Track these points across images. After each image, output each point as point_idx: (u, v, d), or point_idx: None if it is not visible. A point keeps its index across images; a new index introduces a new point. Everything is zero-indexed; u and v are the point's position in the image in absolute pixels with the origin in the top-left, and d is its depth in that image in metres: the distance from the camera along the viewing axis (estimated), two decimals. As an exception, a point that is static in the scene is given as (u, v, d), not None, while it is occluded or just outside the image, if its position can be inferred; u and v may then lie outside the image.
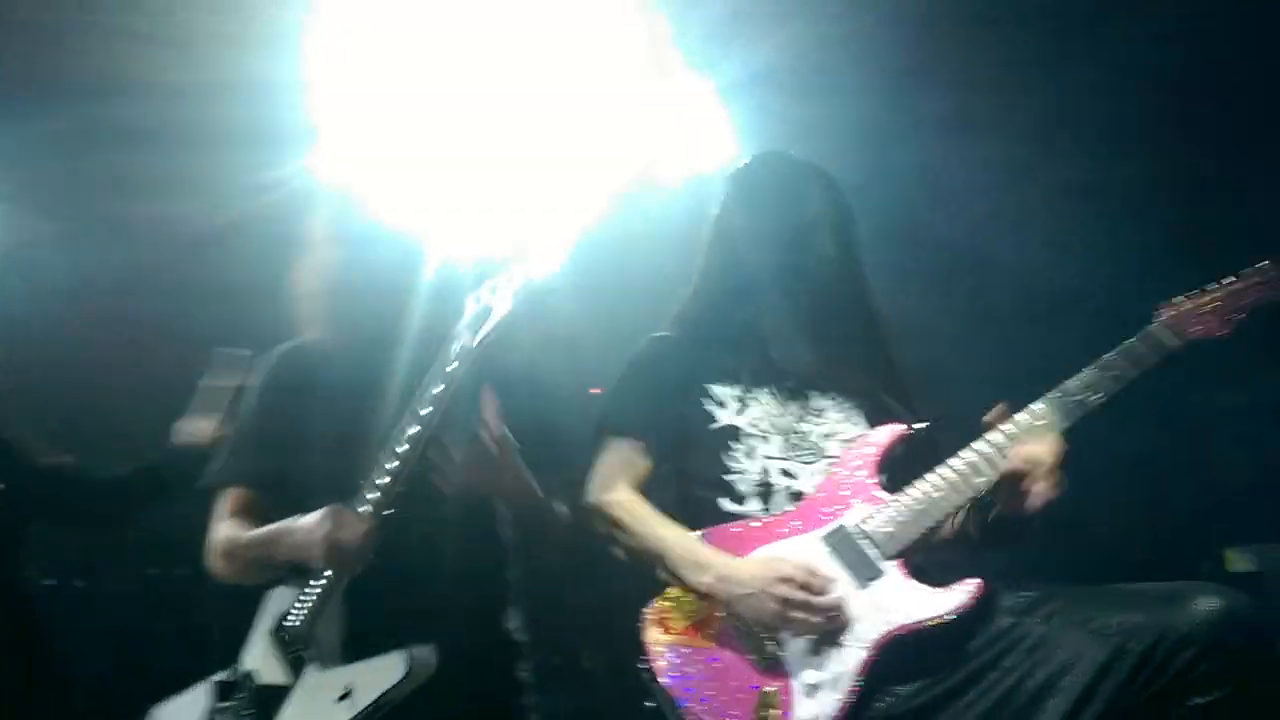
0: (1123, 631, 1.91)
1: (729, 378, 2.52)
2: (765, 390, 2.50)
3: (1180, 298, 2.24)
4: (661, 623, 2.25)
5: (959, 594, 2.05)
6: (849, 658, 2.04)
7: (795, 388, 2.51)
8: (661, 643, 2.22)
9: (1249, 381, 4.53)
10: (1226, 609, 1.87)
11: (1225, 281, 2.24)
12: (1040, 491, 2.10)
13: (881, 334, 2.57)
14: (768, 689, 2.07)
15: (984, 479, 2.15)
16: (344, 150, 4.11)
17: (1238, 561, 4.48)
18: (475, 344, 2.31)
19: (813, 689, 2.05)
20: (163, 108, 3.99)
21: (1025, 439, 2.15)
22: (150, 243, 4.48)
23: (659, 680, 2.18)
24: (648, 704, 2.21)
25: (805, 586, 2.09)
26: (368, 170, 4.22)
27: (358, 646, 2.28)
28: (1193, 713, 1.85)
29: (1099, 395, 2.18)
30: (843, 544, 2.16)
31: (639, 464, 2.54)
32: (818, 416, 2.47)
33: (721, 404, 2.48)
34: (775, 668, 2.11)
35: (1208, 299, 2.21)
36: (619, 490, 2.49)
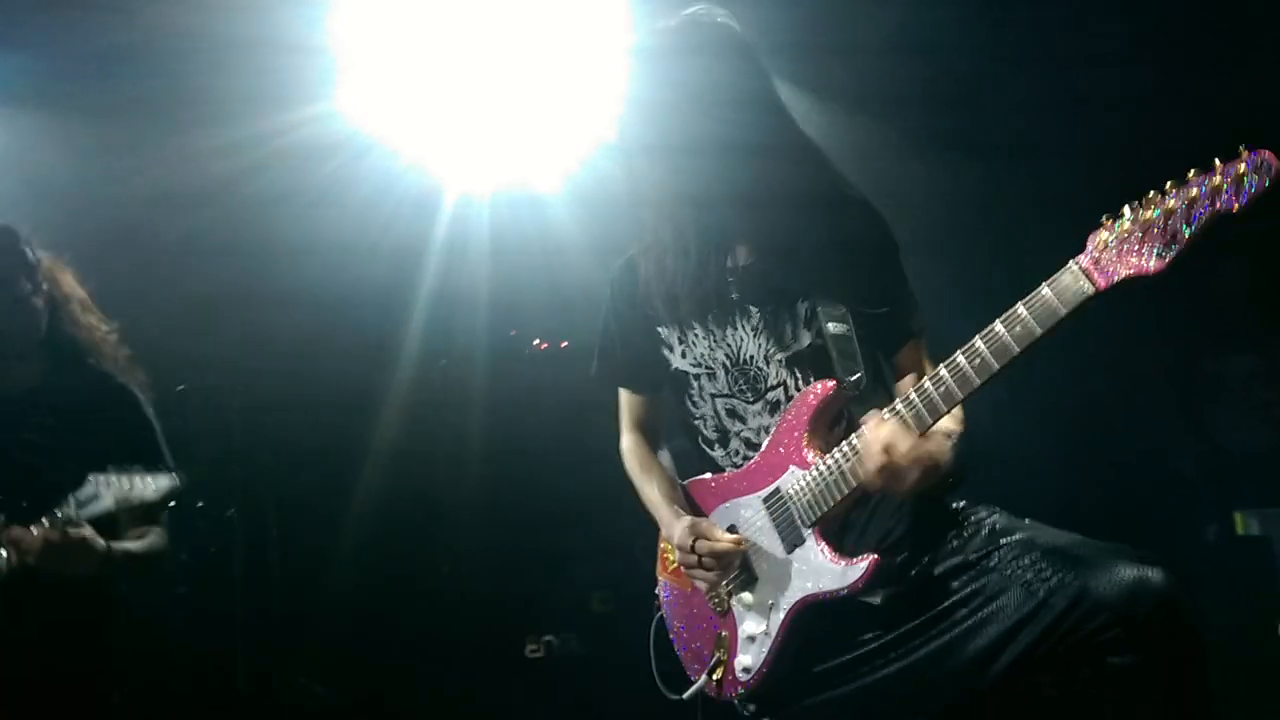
0: (1049, 588, 1.98)
1: (667, 314, 2.40)
2: (699, 320, 2.35)
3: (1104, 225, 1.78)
4: (662, 560, 2.45)
5: (857, 569, 2.09)
6: (774, 618, 2.17)
7: (726, 301, 2.32)
8: (662, 577, 2.46)
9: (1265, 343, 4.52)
10: (1141, 581, 1.92)
11: (1152, 196, 1.74)
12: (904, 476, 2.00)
13: (839, 219, 2.27)
14: (723, 633, 2.28)
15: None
16: (365, 92, 4.16)
17: (1247, 525, 4.49)
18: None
19: (749, 640, 2.22)
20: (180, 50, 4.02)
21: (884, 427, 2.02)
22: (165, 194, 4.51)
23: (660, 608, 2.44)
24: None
25: (711, 553, 2.21)
26: (388, 111, 4.28)
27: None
28: (1111, 670, 1.93)
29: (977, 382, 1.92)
30: (777, 508, 2.21)
31: (638, 404, 2.62)
32: (752, 336, 2.30)
33: (670, 347, 2.44)
34: (727, 615, 2.29)
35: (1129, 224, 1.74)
36: (626, 437, 2.61)
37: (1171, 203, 1.70)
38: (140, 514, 2.80)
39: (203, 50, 3.96)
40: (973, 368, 1.92)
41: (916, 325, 2.31)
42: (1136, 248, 1.72)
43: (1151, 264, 1.71)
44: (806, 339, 2.26)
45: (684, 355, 2.40)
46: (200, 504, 4.92)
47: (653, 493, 2.47)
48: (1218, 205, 1.66)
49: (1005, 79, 4.13)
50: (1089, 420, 4.60)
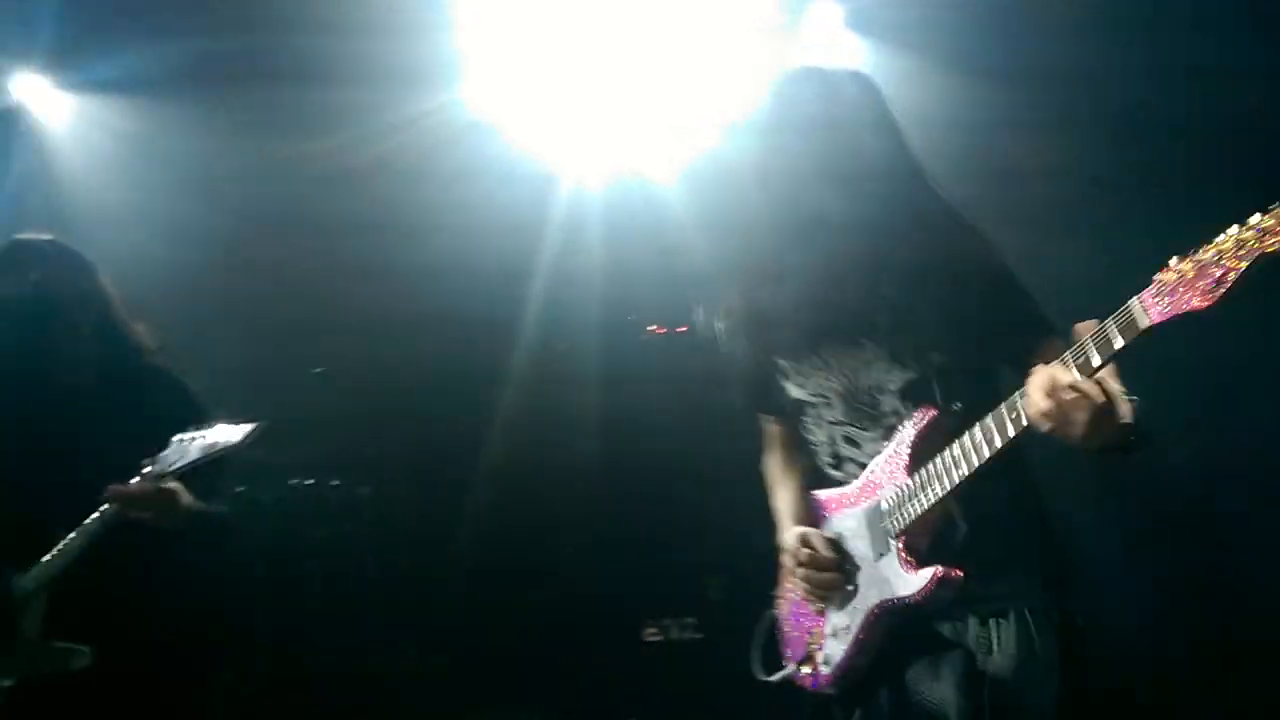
0: None
1: (786, 344, 2.45)
2: (814, 350, 2.39)
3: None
4: (781, 563, 2.60)
5: (921, 578, 2.20)
6: (855, 620, 2.33)
7: (841, 331, 2.36)
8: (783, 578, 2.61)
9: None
10: None
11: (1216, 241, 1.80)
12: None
13: (951, 245, 2.28)
14: (815, 629, 2.46)
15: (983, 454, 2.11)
16: (489, 83, 4.26)
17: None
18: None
19: (833, 637, 2.39)
20: (312, 42, 4.17)
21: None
22: (299, 178, 4.69)
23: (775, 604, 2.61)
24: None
25: (810, 562, 2.39)
26: (510, 103, 4.38)
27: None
28: None
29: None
30: (874, 520, 2.34)
31: (773, 430, 2.73)
32: (867, 368, 2.35)
33: (785, 375, 2.48)
34: (822, 614, 2.44)
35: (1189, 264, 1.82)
36: (766, 457, 2.73)
37: (1225, 243, 1.81)
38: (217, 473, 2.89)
39: (336, 41, 4.10)
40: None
41: (1042, 330, 2.30)
42: (1191, 286, 1.83)
43: (1198, 301, 1.82)
44: (916, 368, 2.31)
45: (800, 385, 2.47)
46: (335, 483, 5.14)
47: (777, 503, 2.64)
48: (1265, 245, 1.75)
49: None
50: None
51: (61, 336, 2.91)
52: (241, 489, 4.74)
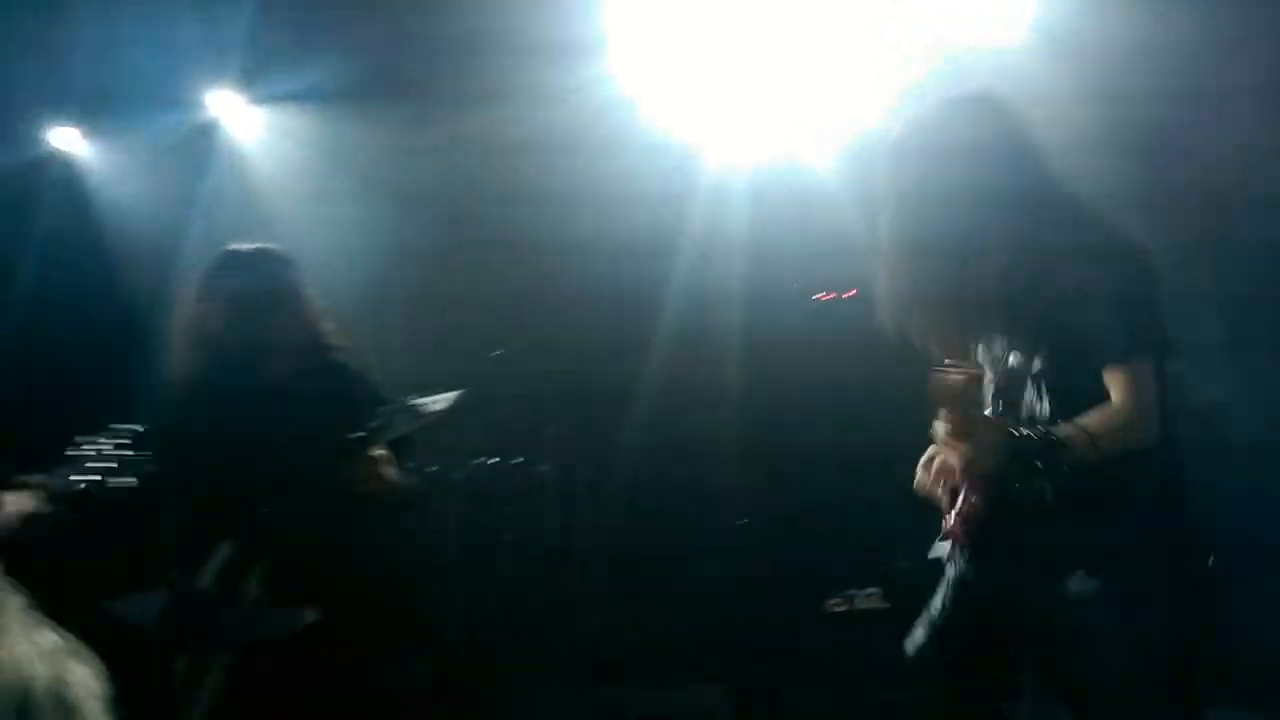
0: None
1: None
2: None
3: None
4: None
5: None
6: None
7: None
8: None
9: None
10: None
11: None
12: None
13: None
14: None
15: None
16: (637, 58, 4.32)
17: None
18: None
19: None
20: (472, 19, 4.32)
21: None
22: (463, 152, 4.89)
23: None
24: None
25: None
26: (657, 79, 4.43)
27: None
28: None
29: None
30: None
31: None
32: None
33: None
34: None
35: None
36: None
37: None
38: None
39: (491, 19, 4.24)
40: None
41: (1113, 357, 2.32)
42: None
43: None
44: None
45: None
46: (519, 460, 5.35)
47: None
48: None
49: None
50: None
51: (275, 332, 3.16)
52: (434, 468, 5.04)
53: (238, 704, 2.91)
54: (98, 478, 2.77)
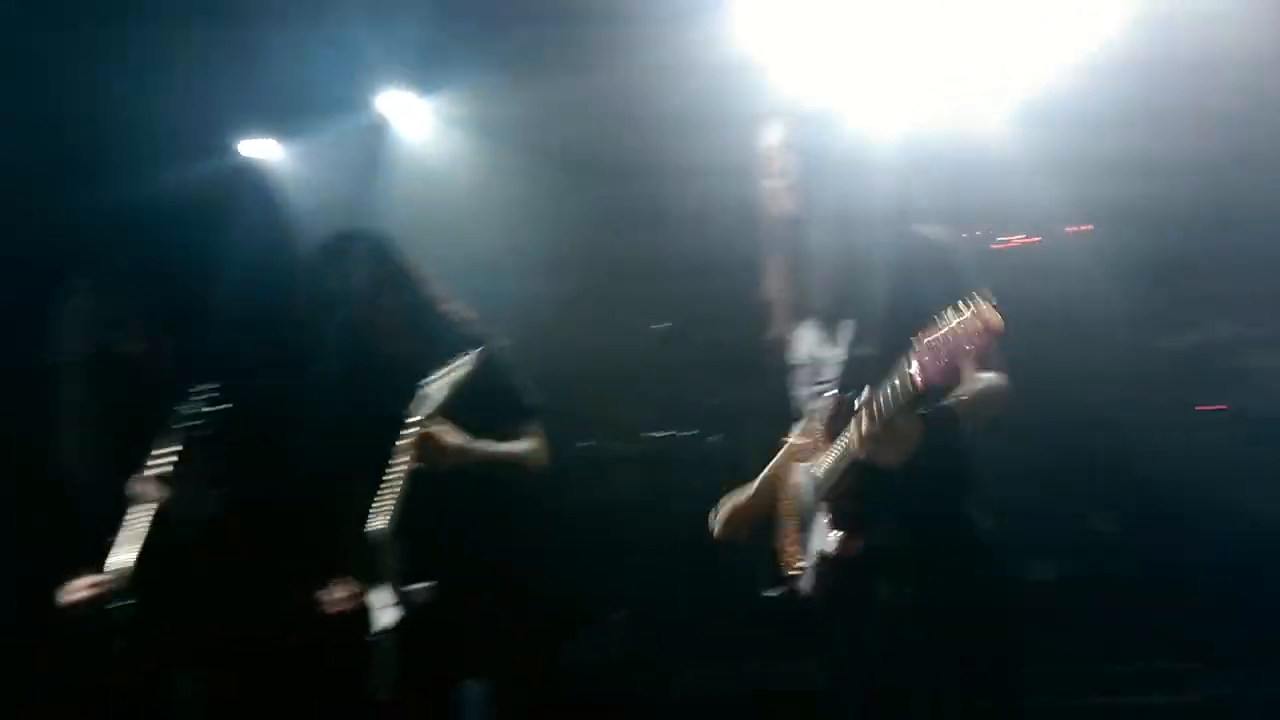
0: None
1: None
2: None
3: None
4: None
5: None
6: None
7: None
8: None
9: None
10: None
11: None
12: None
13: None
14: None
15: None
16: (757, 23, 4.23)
17: None
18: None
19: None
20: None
21: None
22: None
23: None
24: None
25: None
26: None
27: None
28: None
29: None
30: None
31: None
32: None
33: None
34: None
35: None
36: None
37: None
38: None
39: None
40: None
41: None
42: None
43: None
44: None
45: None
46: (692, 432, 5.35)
47: None
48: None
49: None
50: None
51: (381, 313, 3.29)
52: (588, 443, 5.11)
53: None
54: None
